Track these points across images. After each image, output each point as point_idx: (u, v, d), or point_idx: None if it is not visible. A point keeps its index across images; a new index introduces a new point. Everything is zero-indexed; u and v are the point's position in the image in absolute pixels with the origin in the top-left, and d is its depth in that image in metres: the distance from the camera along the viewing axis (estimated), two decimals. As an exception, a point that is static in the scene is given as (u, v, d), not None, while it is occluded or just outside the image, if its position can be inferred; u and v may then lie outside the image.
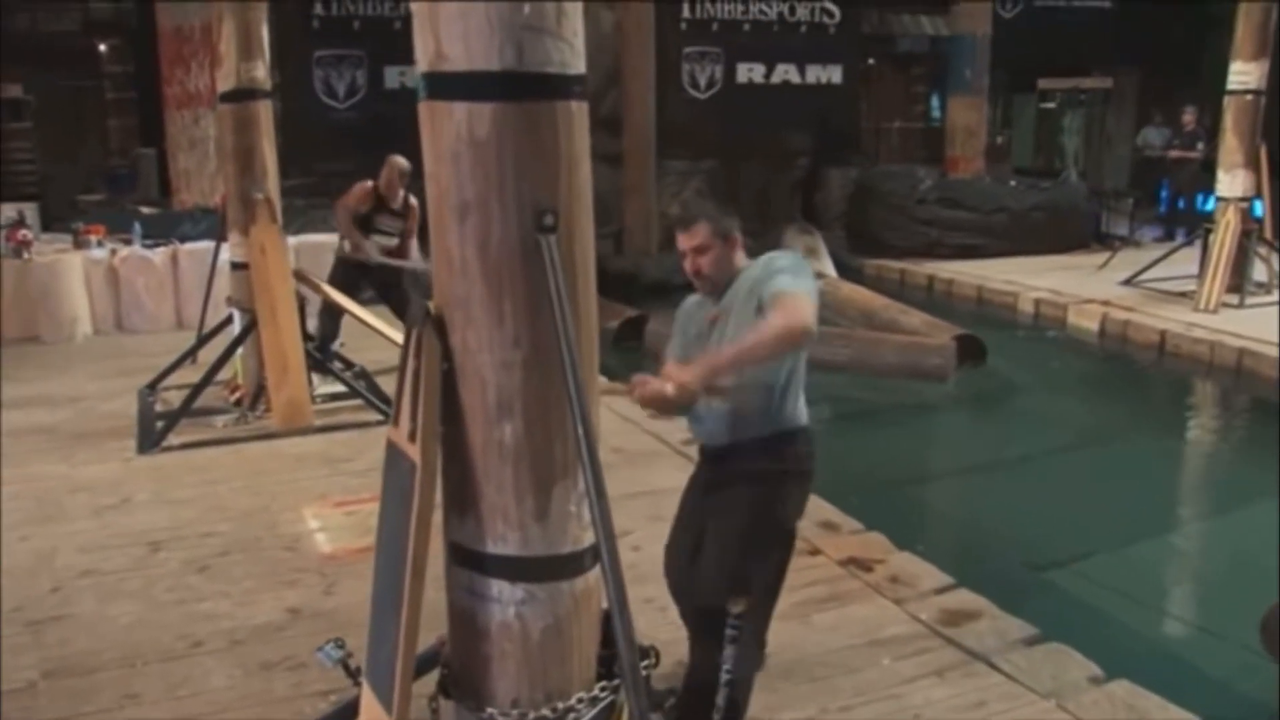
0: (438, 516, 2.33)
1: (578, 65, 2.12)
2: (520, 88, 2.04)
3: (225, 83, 6.69)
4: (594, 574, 2.37)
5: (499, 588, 2.27)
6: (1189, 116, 14.88)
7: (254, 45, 6.65)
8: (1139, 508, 6.33)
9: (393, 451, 2.34)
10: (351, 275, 7.68)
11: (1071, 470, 7.06)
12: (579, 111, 2.14)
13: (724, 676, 2.87)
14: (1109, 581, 5.19)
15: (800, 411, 3.15)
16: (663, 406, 2.95)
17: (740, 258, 3.13)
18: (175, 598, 4.37)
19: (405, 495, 2.21)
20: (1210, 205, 13.46)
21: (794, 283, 2.88)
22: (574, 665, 2.37)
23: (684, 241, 3.08)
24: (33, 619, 4.15)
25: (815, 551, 4.70)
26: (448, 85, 2.06)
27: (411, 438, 2.20)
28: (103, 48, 13.86)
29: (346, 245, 7.74)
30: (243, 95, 6.64)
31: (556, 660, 2.33)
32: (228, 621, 4.16)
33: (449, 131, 2.07)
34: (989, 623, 4.08)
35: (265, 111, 6.75)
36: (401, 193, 7.67)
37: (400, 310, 7.78)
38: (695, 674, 3.03)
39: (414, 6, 2.08)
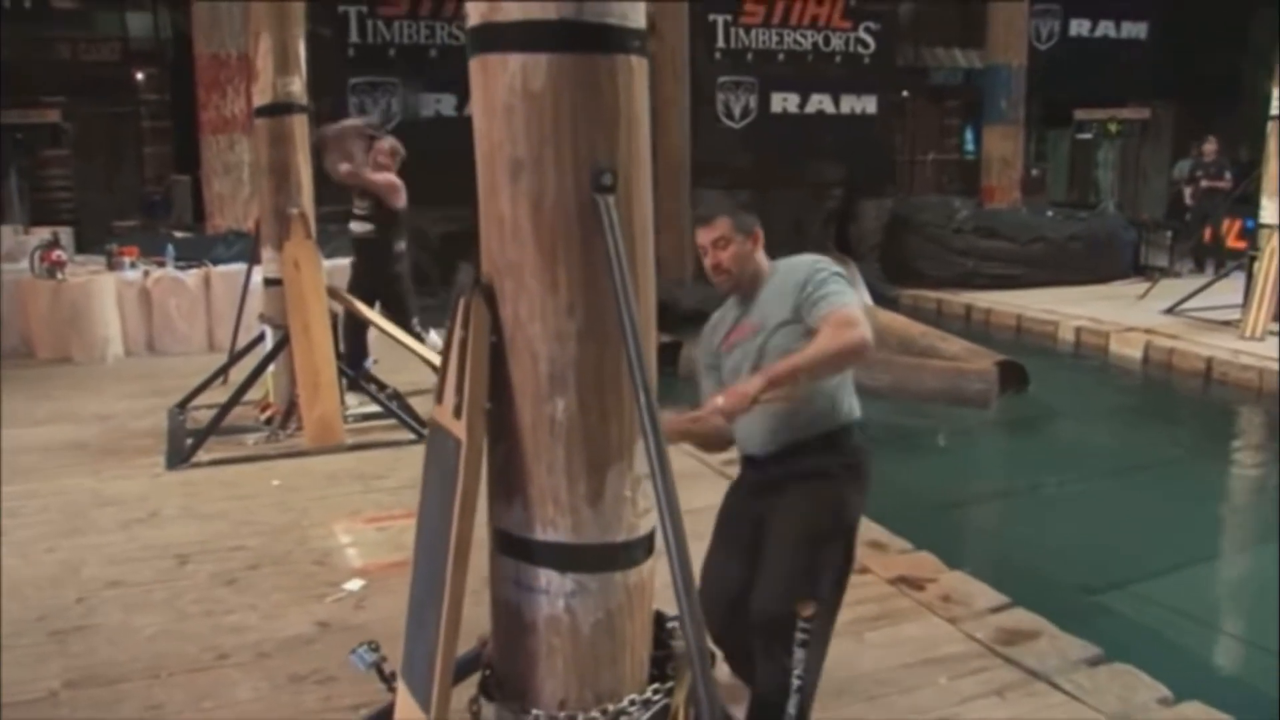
0: (482, 519, 2.18)
1: (638, 19, 2.00)
2: (578, 38, 1.92)
3: (262, 97, 6.65)
4: (647, 567, 2.22)
5: (547, 578, 2.12)
6: (1210, 146, 14.68)
7: (291, 60, 6.61)
8: (1194, 531, 6.13)
9: (436, 431, 2.20)
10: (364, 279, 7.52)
11: (1122, 494, 6.83)
12: (639, 68, 2.01)
13: (795, 683, 2.71)
14: (1169, 603, 4.98)
15: (853, 405, 3.05)
16: (702, 440, 3.10)
17: (762, 257, 3.09)
18: (202, 609, 4.23)
19: (449, 476, 2.07)
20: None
21: (845, 294, 2.89)
22: (626, 665, 2.21)
23: (704, 235, 3.04)
24: (56, 628, 4.03)
25: (863, 570, 4.51)
26: (501, 36, 1.94)
27: (457, 413, 2.06)
28: (140, 77, 13.99)
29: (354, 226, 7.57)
30: (279, 110, 6.60)
31: (608, 658, 2.17)
32: (255, 634, 4.02)
33: (502, 84, 1.95)
34: (1049, 642, 3.89)
35: (301, 126, 6.70)
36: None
37: (397, 315, 7.48)
38: (765, 682, 2.86)
39: (467, -46, 1.97)
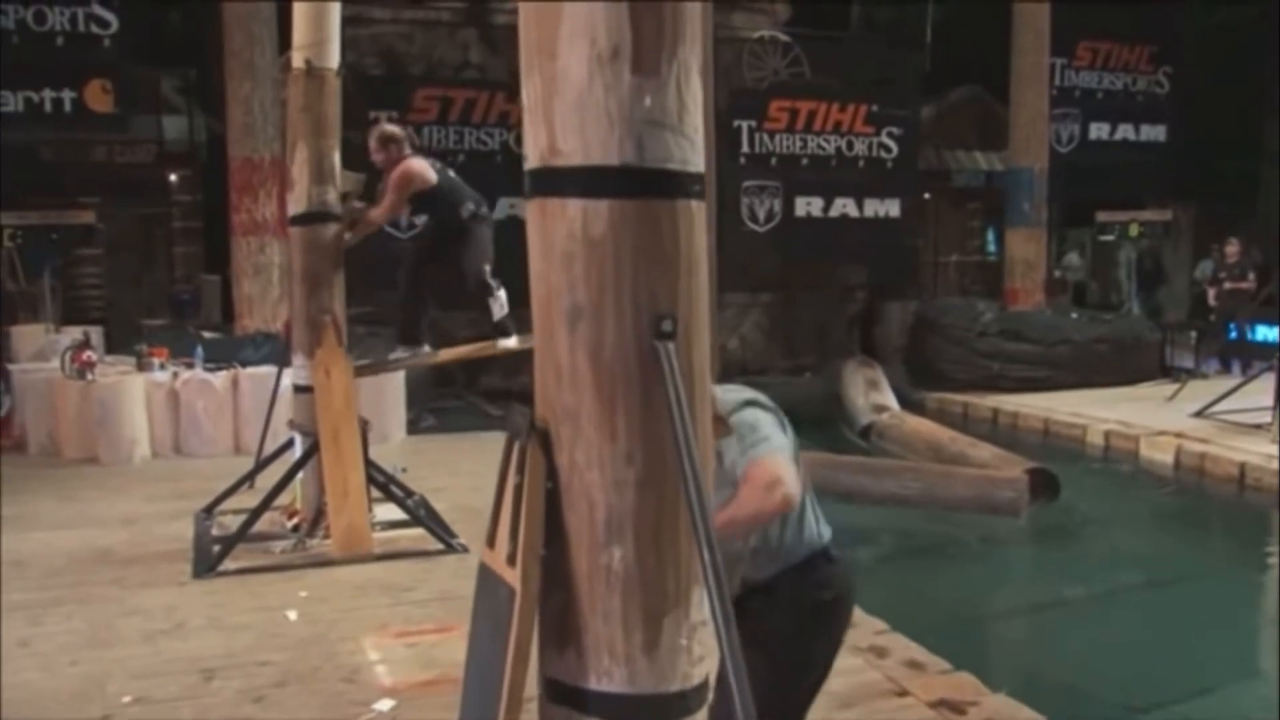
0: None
1: (698, 163, 2.00)
2: (640, 184, 1.92)
3: (297, 205, 6.74)
4: (700, 716, 2.15)
5: (601, 729, 2.05)
6: (1232, 247, 14.75)
7: (326, 170, 6.72)
8: (1240, 647, 5.97)
9: (487, 576, 2.16)
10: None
11: (1163, 608, 6.70)
12: (699, 212, 2.01)
13: None
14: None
15: (812, 537, 2.89)
16: None
17: None
18: (229, 730, 4.16)
19: (501, 624, 2.02)
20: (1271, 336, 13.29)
21: (768, 445, 2.71)
22: (678, 821, 2.12)
23: None
24: (81, 750, 3.96)
25: (903, 693, 4.42)
26: (561, 181, 1.94)
27: (510, 561, 2.02)
28: (173, 178, 14.23)
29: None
30: (314, 218, 6.67)
31: (660, 814, 2.09)
32: (284, 758, 3.94)
33: (561, 230, 1.94)
34: (1103, 774, 3.77)
35: (335, 235, 6.77)
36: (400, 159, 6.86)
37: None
38: None
39: (525, 98, 1.98)
